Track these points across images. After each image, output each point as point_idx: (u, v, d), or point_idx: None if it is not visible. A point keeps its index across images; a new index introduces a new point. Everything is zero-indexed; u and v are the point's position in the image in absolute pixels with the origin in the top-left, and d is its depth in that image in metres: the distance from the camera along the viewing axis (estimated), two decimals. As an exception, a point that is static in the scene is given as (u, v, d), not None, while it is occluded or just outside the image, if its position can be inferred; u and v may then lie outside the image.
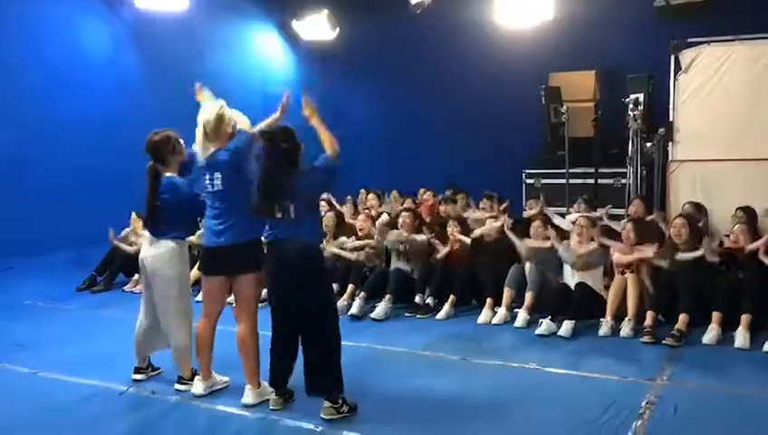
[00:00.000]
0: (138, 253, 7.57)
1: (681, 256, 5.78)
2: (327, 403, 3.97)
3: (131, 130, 8.95)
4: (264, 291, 4.77)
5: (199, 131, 4.13)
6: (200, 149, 4.15)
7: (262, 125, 4.27)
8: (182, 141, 4.48)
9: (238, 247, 4.11)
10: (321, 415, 3.94)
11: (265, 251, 4.18)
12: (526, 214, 7.81)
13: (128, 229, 8.07)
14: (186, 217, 4.48)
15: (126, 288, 7.64)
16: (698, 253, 5.72)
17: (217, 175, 4.11)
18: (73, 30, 8.50)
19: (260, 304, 4.34)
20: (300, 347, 4.10)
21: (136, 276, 7.64)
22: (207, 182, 4.15)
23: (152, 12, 8.81)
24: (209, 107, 4.16)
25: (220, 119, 4.12)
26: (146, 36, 9.17)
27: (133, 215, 8.04)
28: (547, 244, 6.32)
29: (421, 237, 6.77)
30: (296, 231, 3.98)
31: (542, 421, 3.97)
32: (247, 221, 4.14)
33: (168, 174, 4.42)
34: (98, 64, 8.66)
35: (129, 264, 7.89)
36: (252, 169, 4.17)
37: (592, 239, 6.21)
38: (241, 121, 4.31)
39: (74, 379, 4.75)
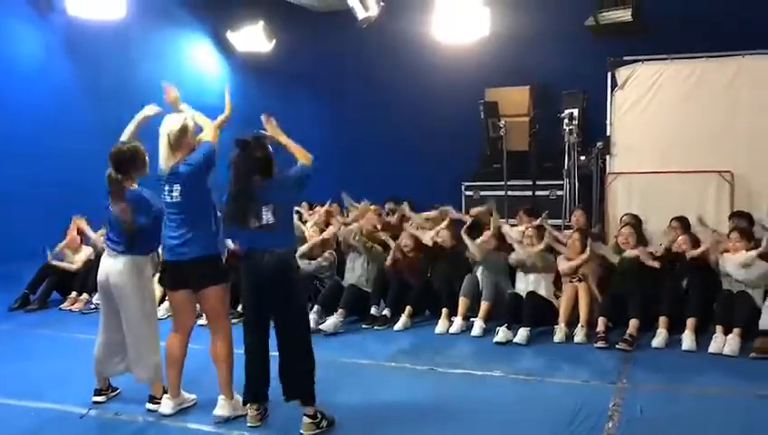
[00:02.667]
0: (78, 270, 7.46)
1: (628, 253, 6.06)
2: (306, 419, 3.92)
3: (63, 139, 8.67)
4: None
5: (163, 142, 4.05)
6: (163, 160, 4.07)
7: (216, 123, 4.27)
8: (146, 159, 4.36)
9: (198, 262, 4.01)
10: (301, 431, 3.89)
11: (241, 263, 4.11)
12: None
13: (61, 244, 7.68)
14: (151, 234, 4.30)
15: (63, 306, 7.28)
16: (637, 252, 6.03)
17: (176, 187, 4.01)
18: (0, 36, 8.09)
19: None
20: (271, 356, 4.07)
21: (73, 294, 7.34)
22: (166, 193, 4.05)
23: (85, 19, 8.47)
24: (173, 117, 4.11)
25: (184, 130, 4.05)
26: (79, 44, 8.81)
27: (72, 228, 7.70)
28: (493, 244, 6.54)
29: (378, 248, 6.85)
30: (271, 242, 3.93)
31: (519, 428, 4.06)
32: (205, 235, 4.05)
33: (129, 186, 4.27)
34: (28, 72, 8.25)
35: (64, 281, 7.56)
36: (209, 182, 4.12)
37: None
38: (203, 122, 4.24)
39: (27, 403, 4.49)
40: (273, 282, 3.92)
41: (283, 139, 4.19)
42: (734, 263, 5.77)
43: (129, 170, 4.27)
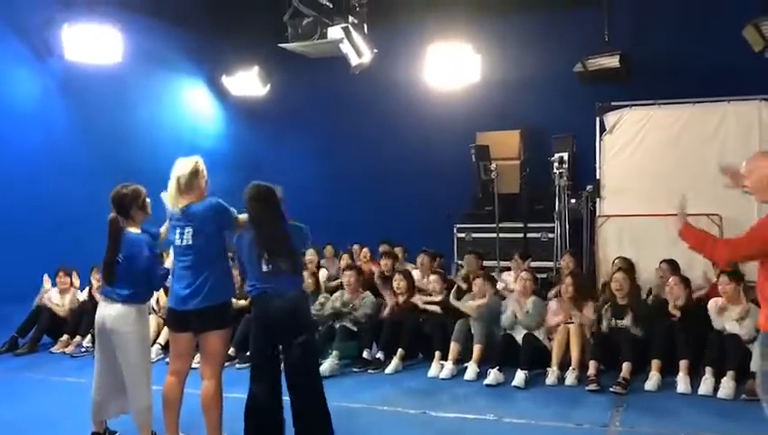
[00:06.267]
0: (68, 314, 7.43)
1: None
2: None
3: (57, 182, 8.73)
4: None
5: (172, 184, 4.05)
6: (171, 202, 4.08)
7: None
8: (148, 200, 4.39)
9: (207, 309, 4.02)
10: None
11: (252, 305, 4.19)
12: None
13: (50, 288, 7.67)
14: (146, 280, 4.32)
15: (54, 349, 7.21)
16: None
17: (188, 229, 4.03)
18: (-2, 80, 8.20)
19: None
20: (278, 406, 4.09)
21: (64, 337, 7.28)
22: (177, 236, 4.06)
23: (82, 64, 8.61)
24: (184, 160, 4.11)
25: (195, 173, 4.07)
26: (76, 89, 8.93)
27: (60, 273, 7.71)
28: (485, 300, 6.50)
29: (368, 298, 6.82)
30: (284, 285, 4.01)
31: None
32: (215, 282, 4.05)
33: (131, 229, 4.30)
34: (24, 116, 8.34)
35: (56, 324, 7.51)
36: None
37: (533, 293, 6.45)
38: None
39: (15, 448, 4.44)
40: (287, 325, 3.99)
41: None
42: (728, 318, 5.74)
43: (131, 212, 4.29)
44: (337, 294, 7.01)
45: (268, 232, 4.04)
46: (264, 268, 4.01)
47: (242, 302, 6.70)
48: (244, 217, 4.14)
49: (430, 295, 6.88)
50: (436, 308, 6.65)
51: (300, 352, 4.01)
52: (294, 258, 4.10)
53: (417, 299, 6.77)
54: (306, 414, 3.99)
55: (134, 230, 4.30)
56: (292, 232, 4.14)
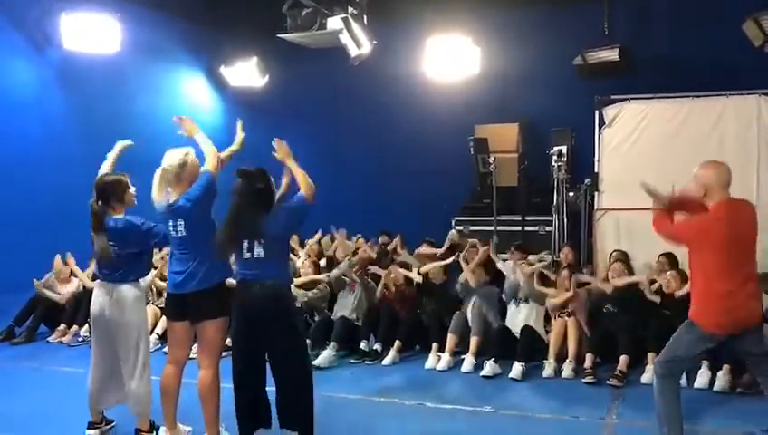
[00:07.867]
0: (68, 302, 7.41)
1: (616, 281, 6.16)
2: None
3: (54, 172, 8.70)
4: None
5: (158, 175, 4.10)
6: (156, 192, 4.14)
7: (222, 154, 4.34)
8: (133, 190, 4.37)
9: (203, 293, 4.04)
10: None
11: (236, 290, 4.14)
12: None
13: (50, 275, 7.65)
14: (142, 257, 4.38)
15: (51, 339, 7.20)
16: (635, 279, 6.15)
17: (180, 221, 4.05)
18: (-5, 69, 8.17)
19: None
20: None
21: (62, 326, 7.27)
22: (171, 228, 4.09)
23: (81, 54, 8.57)
24: (174, 152, 4.11)
25: (183, 165, 4.07)
26: (74, 78, 8.91)
27: (57, 259, 7.67)
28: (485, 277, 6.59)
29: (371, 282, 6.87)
30: (265, 272, 3.95)
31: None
32: (212, 265, 4.08)
33: (115, 216, 4.28)
34: (22, 106, 8.32)
35: (53, 313, 7.49)
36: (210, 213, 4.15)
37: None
38: (207, 150, 4.22)
39: (12, 438, 4.45)
40: (267, 313, 3.91)
41: (292, 163, 4.25)
42: None
43: (111, 200, 4.27)
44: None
45: (248, 217, 3.96)
46: (246, 255, 3.98)
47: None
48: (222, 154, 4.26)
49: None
50: (413, 275, 6.77)
51: (284, 344, 3.96)
52: (278, 244, 4.04)
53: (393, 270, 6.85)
54: (289, 406, 3.98)
55: (116, 216, 4.28)
56: (283, 213, 4.05)
